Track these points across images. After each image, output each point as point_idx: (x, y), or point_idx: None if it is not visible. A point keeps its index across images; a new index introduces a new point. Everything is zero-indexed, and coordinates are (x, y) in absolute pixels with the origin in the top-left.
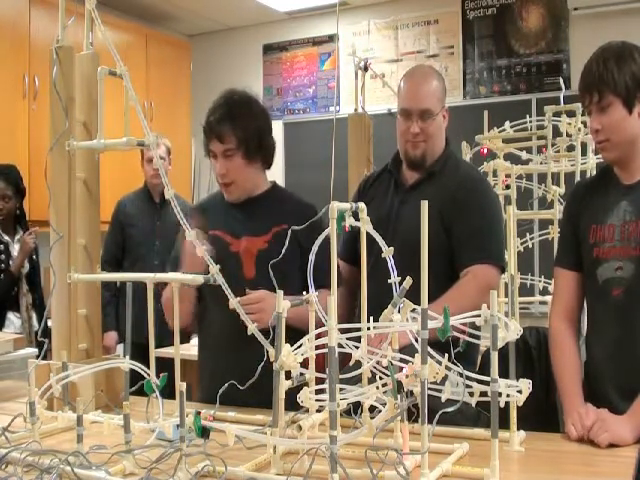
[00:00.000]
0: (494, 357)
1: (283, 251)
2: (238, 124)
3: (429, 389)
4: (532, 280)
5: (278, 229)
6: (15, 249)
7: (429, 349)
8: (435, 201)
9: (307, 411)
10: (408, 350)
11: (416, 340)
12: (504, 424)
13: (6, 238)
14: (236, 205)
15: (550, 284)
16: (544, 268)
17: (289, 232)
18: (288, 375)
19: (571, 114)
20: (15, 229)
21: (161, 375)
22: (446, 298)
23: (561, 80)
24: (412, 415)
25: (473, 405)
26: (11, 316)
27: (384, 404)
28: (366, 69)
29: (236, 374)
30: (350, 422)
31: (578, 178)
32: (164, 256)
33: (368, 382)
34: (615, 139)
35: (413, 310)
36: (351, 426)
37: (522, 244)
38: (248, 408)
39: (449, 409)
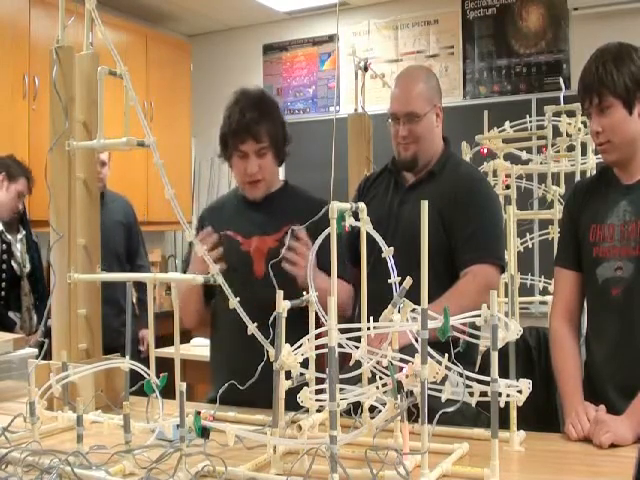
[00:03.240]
0: (494, 357)
1: (283, 251)
2: (272, 122)
3: (429, 389)
4: (532, 280)
5: (289, 227)
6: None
7: (429, 349)
8: (435, 201)
9: (307, 411)
10: (408, 350)
11: (416, 340)
12: (504, 424)
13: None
14: (249, 204)
15: (550, 284)
16: (544, 268)
17: (289, 232)
18: (288, 375)
19: (571, 114)
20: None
21: (161, 375)
22: (446, 298)
23: (561, 80)
24: (412, 415)
25: (473, 405)
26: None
27: (384, 404)
28: (366, 69)
29: (248, 373)
30: (350, 422)
31: (578, 178)
32: (108, 260)
33: (368, 382)
34: (616, 140)
35: (413, 310)
36: (351, 426)
37: (522, 244)
38: (250, 408)
39: (449, 409)
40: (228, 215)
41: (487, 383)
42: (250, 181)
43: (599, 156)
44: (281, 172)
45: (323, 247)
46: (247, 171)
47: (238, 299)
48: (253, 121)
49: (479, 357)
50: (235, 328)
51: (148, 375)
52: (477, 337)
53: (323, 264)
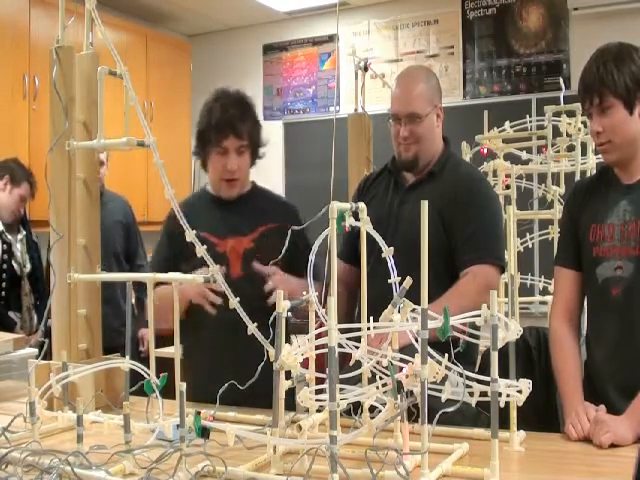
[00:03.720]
0: (494, 357)
1: (283, 251)
2: (252, 122)
3: (429, 389)
4: (532, 280)
5: (264, 228)
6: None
7: (429, 349)
8: (435, 201)
9: (307, 411)
10: (408, 350)
11: (416, 340)
12: (504, 424)
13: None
14: (220, 205)
15: (550, 284)
16: (544, 268)
17: (289, 232)
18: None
19: (571, 114)
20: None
21: (161, 375)
22: (446, 298)
23: (561, 80)
24: (412, 415)
25: (473, 405)
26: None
27: (384, 404)
28: (366, 69)
29: (230, 373)
30: (350, 422)
31: (578, 178)
32: (108, 260)
33: (368, 382)
34: (617, 140)
35: (413, 310)
36: (351, 426)
37: (522, 244)
38: (246, 407)
39: (449, 409)
40: (199, 216)
41: (487, 383)
42: (228, 179)
43: (599, 156)
44: (281, 172)
45: (298, 250)
46: (227, 167)
47: (238, 299)
48: (236, 118)
49: (479, 357)
50: (221, 328)
51: (148, 375)
52: (477, 337)
53: (298, 267)
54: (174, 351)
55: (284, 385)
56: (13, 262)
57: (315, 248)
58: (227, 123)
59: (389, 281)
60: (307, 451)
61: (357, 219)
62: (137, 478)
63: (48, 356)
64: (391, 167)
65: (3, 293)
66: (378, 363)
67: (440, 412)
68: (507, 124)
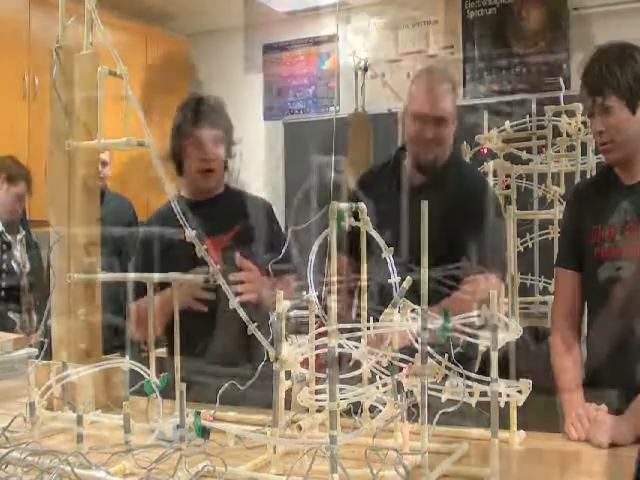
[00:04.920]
0: (494, 357)
1: (281, 247)
2: (225, 118)
3: (429, 389)
4: (532, 280)
5: (240, 226)
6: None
7: (429, 349)
8: (437, 203)
9: (307, 411)
10: (408, 350)
11: (416, 340)
12: (504, 424)
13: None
14: (196, 208)
15: (550, 284)
16: (544, 268)
17: (289, 231)
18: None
19: (571, 114)
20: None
21: (161, 375)
22: (446, 303)
23: (561, 80)
24: (412, 415)
25: (473, 405)
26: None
27: (384, 404)
28: (366, 69)
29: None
30: (350, 422)
31: (578, 178)
32: (110, 260)
33: (368, 382)
34: (620, 140)
35: (413, 310)
36: (351, 426)
37: (522, 244)
38: (249, 408)
39: (449, 409)
40: (176, 221)
41: (487, 383)
42: (205, 168)
43: (599, 156)
44: (281, 172)
45: (263, 246)
46: (203, 156)
47: (238, 299)
48: (210, 110)
49: (479, 358)
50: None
51: (148, 375)
52: (476, 338)
53: (263, 264)
54: (174, 351)
55: (284, 385)
56: (13, 262)
57: (315, 248)
58: (202, 115)
59: (389, 281)
60: (307, 451)
61: (357, 219)
62: (137, 478)
63: (48, 356)
64: (394, 166)
65: (3, 293)
66: (378, 363)
67: (440, 412)
68: (507, 124)
